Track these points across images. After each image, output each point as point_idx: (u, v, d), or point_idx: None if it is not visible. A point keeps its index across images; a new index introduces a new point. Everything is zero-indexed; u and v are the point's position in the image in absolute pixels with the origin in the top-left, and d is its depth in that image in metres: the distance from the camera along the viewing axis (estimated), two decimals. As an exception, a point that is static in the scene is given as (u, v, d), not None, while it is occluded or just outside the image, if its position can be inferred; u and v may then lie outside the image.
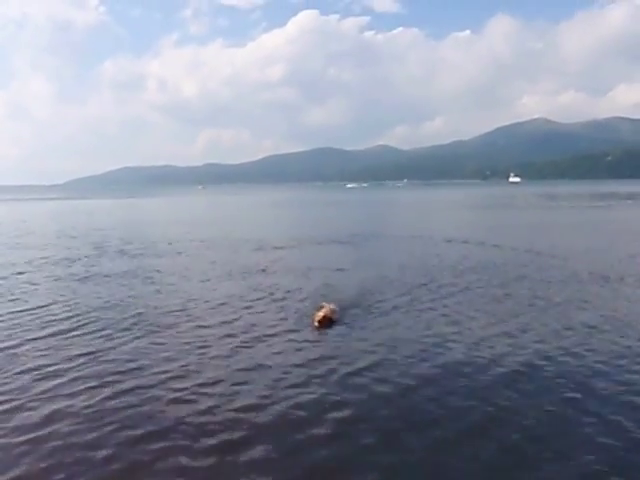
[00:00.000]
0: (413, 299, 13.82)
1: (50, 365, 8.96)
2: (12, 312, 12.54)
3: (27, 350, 9.77)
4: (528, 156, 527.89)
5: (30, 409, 7.32)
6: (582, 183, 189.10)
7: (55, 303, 13.42)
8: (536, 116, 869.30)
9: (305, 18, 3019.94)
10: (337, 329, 10.97)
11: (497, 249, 23.15)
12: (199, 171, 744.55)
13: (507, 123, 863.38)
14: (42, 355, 9.50)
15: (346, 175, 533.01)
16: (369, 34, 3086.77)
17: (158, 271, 18.40)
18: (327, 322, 11.19)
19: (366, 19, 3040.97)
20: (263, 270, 18.45)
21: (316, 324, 11.12)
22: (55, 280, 16.79)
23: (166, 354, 9.54)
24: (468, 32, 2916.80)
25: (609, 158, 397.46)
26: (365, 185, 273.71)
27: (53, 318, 11.98)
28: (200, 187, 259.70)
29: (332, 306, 11.99)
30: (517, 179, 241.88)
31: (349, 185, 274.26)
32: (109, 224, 41.38)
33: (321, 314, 11.21)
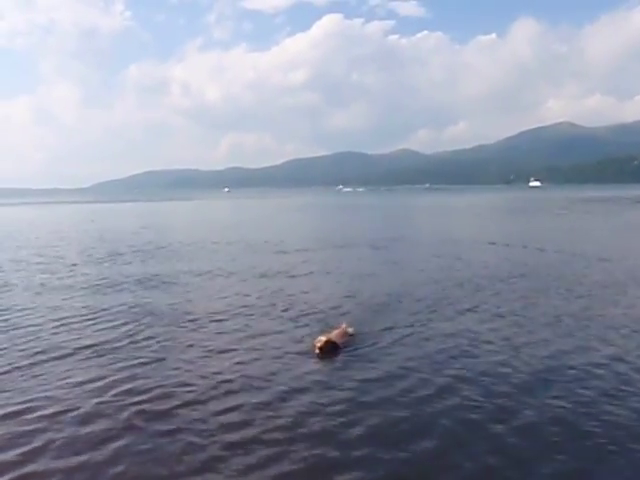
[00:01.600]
0: (443, 315, 12.34)
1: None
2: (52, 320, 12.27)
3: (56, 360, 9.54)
4: (553, 160, 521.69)
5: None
6: (607, 188, 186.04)
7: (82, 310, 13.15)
8: (561, 120, 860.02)
9: (329, 22, 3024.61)
10: (341, 358, 9.42)
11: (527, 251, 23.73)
12: (222, 175, 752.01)
13: (531, 127, 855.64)
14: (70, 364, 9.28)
15: (368, 179, 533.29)
16: (393, 38, 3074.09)
17: (184, 275, 18.24)
18: (331, 348, 9.54)
19: (390, 23, 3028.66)
20: (282, 275, 17.93)
21: (317, 351, 9.47)
22: (89, 286, 16.52)
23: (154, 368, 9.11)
24: (494, 35, 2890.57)
25: (636, 162, 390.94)
26: (360, 190, 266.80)
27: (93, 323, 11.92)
28: (226, 190, 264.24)
29: (343, 327, 10.64)
30: (537, 183, 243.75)
31: (345, 189, 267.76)
32: (142, 227, 43.09)
33: (323, 339, 9.57)
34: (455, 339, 10.52)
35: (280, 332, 11.15)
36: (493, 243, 26.37)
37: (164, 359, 9.51)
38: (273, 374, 8.69)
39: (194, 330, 11.41)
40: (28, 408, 7.40)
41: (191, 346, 10.25)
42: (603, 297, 14.21)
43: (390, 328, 11.21)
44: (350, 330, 10.67)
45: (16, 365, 9.15)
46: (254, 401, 7.62)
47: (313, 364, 9.18)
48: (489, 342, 10.33)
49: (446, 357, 9.50)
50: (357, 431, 6.75)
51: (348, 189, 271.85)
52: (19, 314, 12.83)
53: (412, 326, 11.40)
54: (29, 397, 7.78)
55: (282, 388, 8.09)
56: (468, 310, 12.81)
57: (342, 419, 7.07)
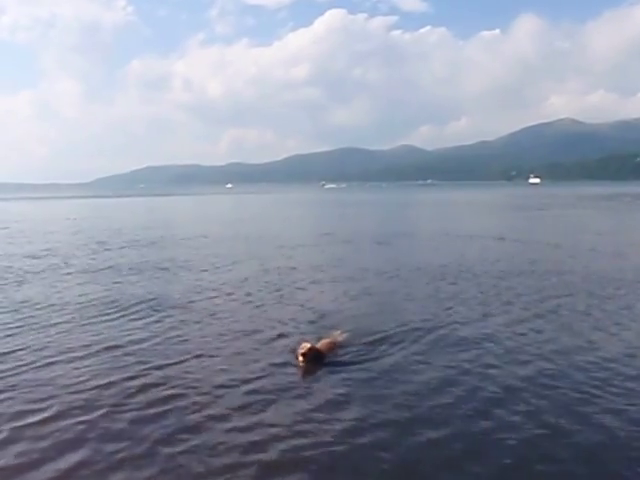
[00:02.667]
0: (454, 320, 11.02)
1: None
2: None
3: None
4: (555, 157, 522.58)
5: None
6: (608, 185, 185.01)
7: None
8: (563, 116, 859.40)
9: (332, 17, 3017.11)
10: (326, 369, 8.33)
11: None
12: (223, 170, 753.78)
13: (534, 123, 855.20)
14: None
15: (369, 175, 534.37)
16: (396, 33, 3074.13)
17: (181, 271, 17.31)
18: (315, 357, 8.47)
19: (394, 18, 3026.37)
20: (281, 272, 17.17)
21: (300, 358, 8.43)
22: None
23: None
24: (497, 31, 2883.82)
25: (638, 159, 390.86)
26: (344, 186, 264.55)
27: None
28: (229, 186, 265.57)
29: (335, 334, 9.77)
30: (537, 180, 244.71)
31: (327, 186, 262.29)
32: (152, 221, 43.46)
33: (307, 345, 8.52)
34: (466, 351, 9.25)
35: (271, 335, 10.13)
36: (502, 238, 26.37)
37: (166, 357, 8.99)
38: (251, 382, 7.86)
39: (191, 329, 10.83)
40: (48, 409, 7.03)
41: (185, 346, 9.66)
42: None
43: (390, 336, 9.95)
44: (341, 338, 9.64)
45: (34, 366, 8.70)
46: (229, 408, 7.02)
47: (292, 373, 8.21)
48: (509, 352, 9.19)
49: (451, 373, 8.25)
50: (327, 451, 5.97)
51: (331, 185, 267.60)
52: (35, 311, 12.22)
53: (416, 332, 10.18)
54: (48, 397, 7.40)
55: (259, 397, 7.34)
56: (481, 315, 11.63)
57: (310, 438, 6.28)
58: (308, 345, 8.53)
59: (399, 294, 13.98)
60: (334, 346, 9.13)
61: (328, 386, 7.78)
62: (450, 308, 12.11)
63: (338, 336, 9.66)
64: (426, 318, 11.22)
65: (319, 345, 8.86)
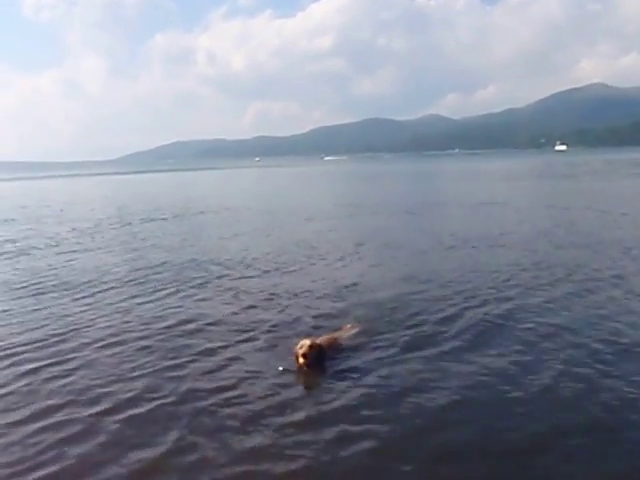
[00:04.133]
0: (499, 308, 8.96)
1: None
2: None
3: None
4: (586, 122, 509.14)
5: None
6: (638, 150, 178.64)
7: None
8: (594, 81, 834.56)
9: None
10: (330, 374, 6.83)
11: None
12: (249, 144, 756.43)
13: (563, 89, 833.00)
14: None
15: (396, 145, 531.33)
16: (421, 0, 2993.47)
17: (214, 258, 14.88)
18: (315, 358, 6.92)
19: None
20: (308, 246, 16.18)
21: (301, 360, 6.91)
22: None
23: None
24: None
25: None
26: (344, 158, 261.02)
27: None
28: (257, 159, 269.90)
29: (347, 327, 8.21)
30: (563, 147, 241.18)
31: (327, 158, 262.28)
32: (202, 196, 45.67)
33: (307, 342, 6.95)
34: (535, 344, 7.51)
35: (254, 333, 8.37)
36: (550, 206, 25.74)
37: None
38: (244, 387, 6.56)
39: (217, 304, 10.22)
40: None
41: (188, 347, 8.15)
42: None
43: (423, 325, 8.30)
44: (354, 331, 8.11)
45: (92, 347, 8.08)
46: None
47: (289, 379, 6.77)
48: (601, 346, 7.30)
49: (516, 373, 6.61)
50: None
51: (331, 157, 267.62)
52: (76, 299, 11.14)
53: (459, 321, 8.43)
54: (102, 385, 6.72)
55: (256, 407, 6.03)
56: (547, 295, 9.69)
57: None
58: (308, 342, 6.99)
59: (436, 270, 12.23)
60: (335, 342, 7.63)
61: (340, 392, 6.32)
62: (505, 286, 10.43)
63: (348, 329, 8.19)
64: (471, 303, 9.36)
65: (320, 341, 7.34)
